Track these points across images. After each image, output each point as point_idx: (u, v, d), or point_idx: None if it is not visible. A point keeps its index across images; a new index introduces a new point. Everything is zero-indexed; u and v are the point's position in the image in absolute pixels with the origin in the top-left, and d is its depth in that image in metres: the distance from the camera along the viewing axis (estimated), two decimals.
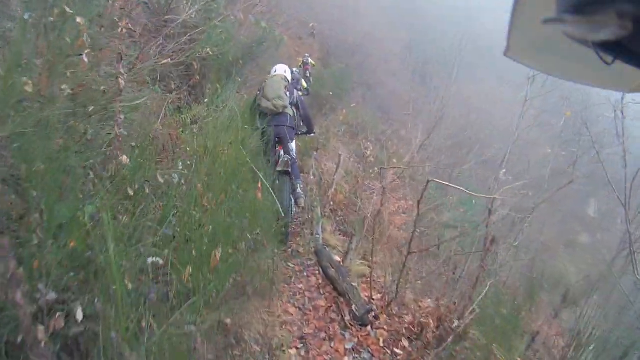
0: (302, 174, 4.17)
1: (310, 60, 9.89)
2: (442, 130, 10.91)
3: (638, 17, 0.37)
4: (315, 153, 5.71)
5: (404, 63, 16.46)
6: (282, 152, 3.36)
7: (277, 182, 3.12)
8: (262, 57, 5.34)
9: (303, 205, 3.48)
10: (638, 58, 0.43)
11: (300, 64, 9.37)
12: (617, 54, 0.44)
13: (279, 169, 3.22)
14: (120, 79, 1.73)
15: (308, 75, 9.48)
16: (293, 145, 3.56)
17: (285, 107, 3.43)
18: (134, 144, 1.89)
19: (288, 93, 3.49)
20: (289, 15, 12.43)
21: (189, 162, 2.10)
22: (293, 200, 3.42)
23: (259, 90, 3.59)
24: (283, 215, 2.93)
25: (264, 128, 3.33)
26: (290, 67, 4.58)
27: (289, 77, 3.79)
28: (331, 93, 7.85)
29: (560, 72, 0.69)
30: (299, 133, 3.75)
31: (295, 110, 3.59)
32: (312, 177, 5.04)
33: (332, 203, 4.54)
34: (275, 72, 3.81)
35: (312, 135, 4.05)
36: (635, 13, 0.37)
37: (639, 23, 0.38)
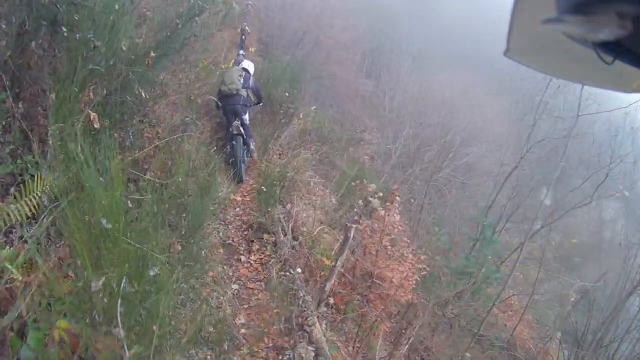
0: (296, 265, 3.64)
1: (247, 28, 9.98)
2: (406, 130, 10.32)
3: (638, 17, 0.37)
4: (288, 206, 4.26)
5: (357, 52, 14.59)
6: (236, 120, 4.59)
7: (233, 141, 4.49)
8: (190, 46, 3.53)
9: (255, 156, 5.03)
10: (638, 58, 0.43)
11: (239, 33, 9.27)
12: (617, 54, 0.44)
13: (234, 132, 4.50)
14: None
15: (244, 38, 9.61)
16: (246, 116, 4.81)
17: (238, 90, 4.62)
18: None
19: (243, 80, 4.71)
20: None
21: None
22: (247, 153, 4.82)
23: (222, 78, 4.81)
24: (234, 162, 4.49)
25: (223, 105, 4.66)
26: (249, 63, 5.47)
27: (252, 70, 5.04)
28: (287, 94, 6.52)
29: (560, 72, 0.70)
30: (251, 105, 5.04)
31: (250, 92, 4.82)
32: (287, 246, 3.76)
33: (331, 297, 3.29)
34: (241, 65, 5.05)
35: (261, 104, 5.37)
36: (635, 13, 0.37)
37: (639, 23, 0.38)
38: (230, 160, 4.47)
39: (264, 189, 4.05)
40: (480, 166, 11.53)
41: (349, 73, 13.62)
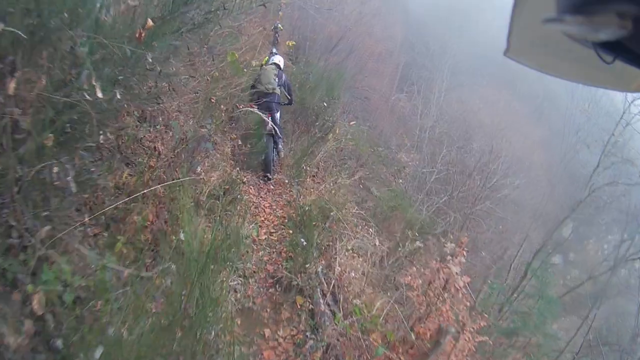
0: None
1: (280, 25, 9.92)
2: (443, 153, 9.43)
3: (638, 17, 0.37)
4: (320, 266, 3.15)
5: (391, 64, 13.63)
6: (269, 120, 4.76)
7: (264, 139, 4.76)
8: (214, 29, 2.95)
9: (282, 155, 5.35)
10: (638, 58, 0.43)
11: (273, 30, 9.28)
12: (617, 54, 0.44)
13: (266, 132, 4.77)
14: None
15: (277, 36, 9.59)
16: (278, 115, 5.06)
17: (274, 89, 4.89)
18: None
19: (277, 78, 4.92)
20: None
21: None
22: (276, 152, 5.11)
23: (257, 75, 5.01)
24: (265, 161, 4.75)
25: (260, 102, 4.90)
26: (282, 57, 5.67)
27: (282, 65, 5.23)
28: (325, 104, 5.78)
29: (560, 72, 0.69)
30: (284, 104, 5.32)
31: (282, 89, 5.05)
32: (330, 322, 2.73)
33: None
34: (272, 60, 5.25)
35: (292, 104, 5.58)
36: (635, 13, 0.37)
37: (639, 23, 0.38)
38: (261, 158, 4.72)
39: (303, 242, 3.19)
40: (520, 199, 10.43)
41: (383, 86, 12.78)
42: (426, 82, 13.86)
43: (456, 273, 2.43)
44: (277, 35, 10.47)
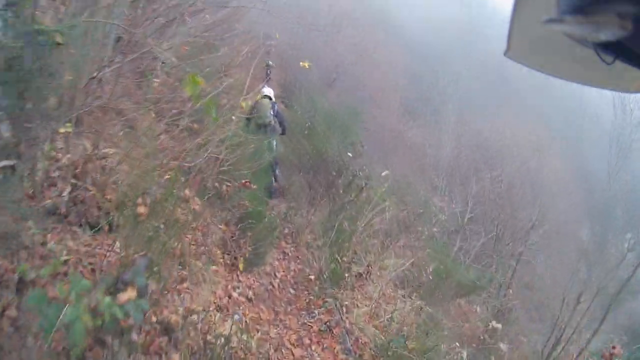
0: None
1: (271, 62, 9.99)
2: (471, 186, 8.45)
3: (638, 17, 0.38)
4: None
5: (397, 95, 12.20)
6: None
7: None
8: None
9: (280, 182, 5.50)
10: (638, 58, 0.43)
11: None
12: (617, 54, 0.44)
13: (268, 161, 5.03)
14: None
15: (269, 72, 9.65)
16: (274, 143, 5.41)
17: (270, 121, 5.33)
18: None
19: (272, 111, 5.34)
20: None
21: None
22: (274, 179, 5.34)
23: (254, 109, 5.28)
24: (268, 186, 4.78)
25: (259, 133, 5.15)
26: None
27: (272, 96, 5.63)
28: (350, 154, 4.73)
29: (560, 72, 0.70)
30: (278, 133, 5.56)
31: (276, 119, 5.40)
32: None
33: None
34: (263, 92, 5.55)
35: (284, 134, 5.71)
36: (635, 13, 0.37)
37: (639, 23, 0.38)
38: (265, 185, 4.86)
39: None
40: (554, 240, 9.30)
41: (392, 118, 11.34)
42: (437, 114, 12.97)
43: None
44: (268, 72, 10.52)
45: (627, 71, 0.47)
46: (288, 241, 4.26)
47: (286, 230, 4.38)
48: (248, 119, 5.09)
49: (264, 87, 6.74)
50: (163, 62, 3.37)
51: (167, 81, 3.43)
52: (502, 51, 0.62)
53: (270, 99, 5.55)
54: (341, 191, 4.44)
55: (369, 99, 10.36)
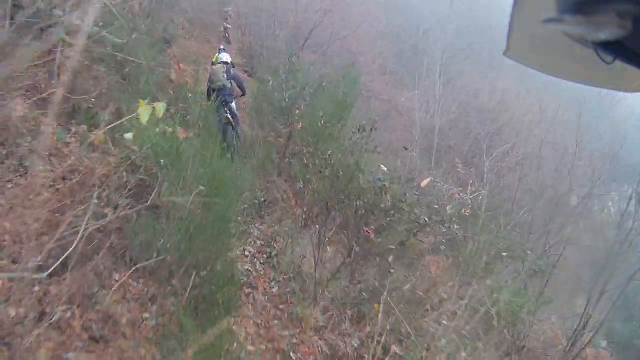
0: None
1: (228, 25, 9.65)
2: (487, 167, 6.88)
3: (638, 17, 0.38)
4: None
5: (380, 56, 10.86)
6: (226, 110, 5.26)
7: (224, 127, 5.14)
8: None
9: (242, 139, 5.53)
10: (638, 58, 0.43)
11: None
12: (617, 54, 0.44)
13: (224, 122, 5.20)
14: None
15: (227, 35, 9.43)
16: (233, 104, 5.50)
17: (224, 84, 5.45)
18: None
19: (226, 75, 5.49)
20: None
21: None
22: (236, 136, 5.38)
23: (209, 75, 5.63)
24: (227, 146, 4.66)
25: (215, 98, 5.32)
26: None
27: (229, 61, 5.81)
28: (360, 133, 3.53)
29: (560, 72, 0.70)
30: (237, 96, 5.77)
31: (233, 82, 5.57)
32: None
33: None
34: (221, 59, 5.80)
35: (245, 95, 5.92)
36: (635, 13, 0.37)
37: (639, 23, 0.38)
38: (223, 146, 4.44)
39: None
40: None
41: (378, 84, 9.87)
42: (426, 78, 11.06)
43: None
44: (227, 35, 10.26)
45: (627, 71, 0.47)
46: (272, 321, 2.41)
47: (265, 292, 2.53)
48: (208, 89, 5.51)
49: (220, 52, 6.75)
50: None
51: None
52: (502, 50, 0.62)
53: (228, 63, 5.77)
54: (371, 227, 2.47)
55: (348, 62, 8.27)
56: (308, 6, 9.25)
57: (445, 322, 2.25)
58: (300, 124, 4.09)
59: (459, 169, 7.12)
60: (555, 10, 0.44)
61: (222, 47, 7.51)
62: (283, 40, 8.41)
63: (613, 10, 0.38)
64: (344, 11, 10.13)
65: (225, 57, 6.04)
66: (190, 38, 9.04)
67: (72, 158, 2.38)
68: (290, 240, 2.96)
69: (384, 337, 1.97)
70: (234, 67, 5.92)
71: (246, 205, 3.06)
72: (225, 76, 5.59)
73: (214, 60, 6.36)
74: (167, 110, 1.94)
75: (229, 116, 5.37)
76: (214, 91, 5.54)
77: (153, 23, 4.66)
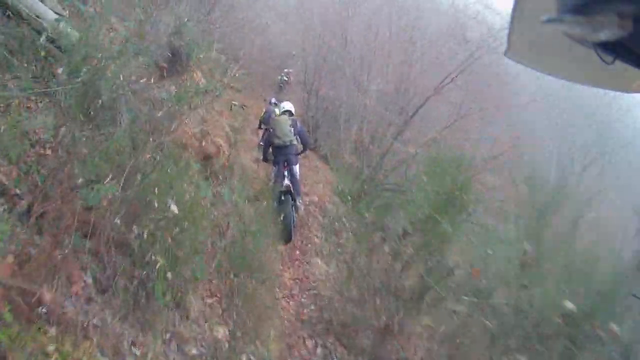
0: None
1: (285, 77, 9.44)
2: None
3: (638, 17, 0.38)
4: None
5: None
6: (285, 175, 4.43)
7: (282, 197, 4.26)
8: None
9: (301, 213, 4.68)
10: (638, 58, 0.43)
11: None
12: (617, 54, 0.44)
13: (284, 189, 4.30)
14: None
15: (282, 85, 9.07)
16: (297, 167, 4.66)
17: (292, 140, 4.54)
18: None
19: (292, 128, 4.54)
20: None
21: None
22: (294, 211, 4.43)
23: (271, 129, 4.71)
24: (284, 220, 3.94)
25: (276, 155, 4.62)
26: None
27: (293, 111, 4.95)
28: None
29: (560, 72, 0.70)
30: (300, 153, 4.89)
31: (298, 137, 4.65)
32: None
33: None
34: (283, 108, 4.97)
35: (306, 151, 5.14)
36: (636, 13, 0.37)
37: (639, 23, 0.38)
38: (281, 217, 3.94)
39: None
40: None
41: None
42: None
43: None
44: (281, 85, 9.78)
45: (627, 71, 0.47)
46: None
47: None
48: (267, 141, 4.69)
49: (272, 101, 6.31)
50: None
51: None
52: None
53: (291, 114, 4.90)
54: None
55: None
56: (421, 73, 6.51)
57: None
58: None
59: None
60: (555, 10, 0.44)
61: (272, 99, 6.76)
62: (371, 111, 6.24)
63: (613, 10, 0.38)
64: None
65: (289, 105, 5.06)
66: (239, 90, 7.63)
67: None
68: None
69: None
70: (297, 120, 4.91)
71: None
72: (292, 130, 4.56)
73: (261, 119, 5.75)
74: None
75: (289, 182, 4.42)
76: (276, 148, 4.59)
77: None
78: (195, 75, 4.00)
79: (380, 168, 6.10)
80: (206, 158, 3.49)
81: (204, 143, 3.45)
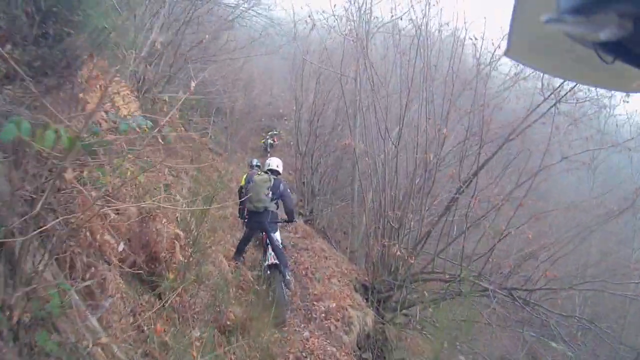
0: None
1: (270, 140, 8.91)
2: None
3: (638, 17, 0.38)
4: None
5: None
6: (269, 249, 3.97)
7: (269, 272, 3.89)
8: None
9: (292, 288, 4.13)
10: (638, 58, 0.43)
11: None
12: (617, 54, 0.44)
13: (269, 263, 3.93)
14: None
15: (268, 147, 8.64)
16: (277, 235, 4.13)
17: (266, 207, 3.98)
18: None
19: (271, 193, 3.98)
20: None
21: None
22: (284, 285, 3.92)
23: (245, 190, 4.21)
24: (276, 299, 3.47)
25: (249, 222, 4.15)
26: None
27: (280, 169, 4.32)
28: None
29: (560, 72, 0.70)
30: (281, 222, 4.31)
31: (279, 202, 4.11)
32: None
33: None
34: (269, 165, 4.35)
35: (292, 222, 4.46)
36: (636, 13, 0.37)
37: (639, 23, 0.38)
38: (270, 299, 3.52)
39: None
40: None
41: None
42: None
43: None
44: (267, 150, 9.09)
45: (627, 71, 0.47)
46: None
47: None
48: (242, 202, 4.09)
49: (253, 163, 5.64)
50: None
51: None
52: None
53: (278, 173, 4.24)
54: None
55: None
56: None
57: None
58: None
59: None
60: (555, 10, 0.44)
61: (254, 160, 5.94)
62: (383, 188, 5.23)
63: (613, 10, 0.38)
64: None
65: (275, 163, 4.33)
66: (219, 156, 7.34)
67: None
68: None
69: None
70: (282, 181, 4.19)
71: None
72: (270, 194, 3.95)
73: (242, 183, 4.85)
74: None
75: (273, 256, 3.91)
76: (250, 212, 4.07)
77: None
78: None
79: (422, 248, 4.85)
80: (151, 261, 2.27)
81: (145, 236, 2.16)
